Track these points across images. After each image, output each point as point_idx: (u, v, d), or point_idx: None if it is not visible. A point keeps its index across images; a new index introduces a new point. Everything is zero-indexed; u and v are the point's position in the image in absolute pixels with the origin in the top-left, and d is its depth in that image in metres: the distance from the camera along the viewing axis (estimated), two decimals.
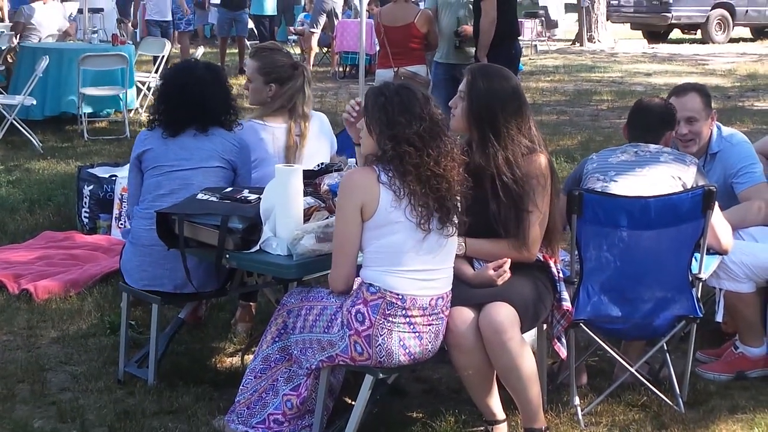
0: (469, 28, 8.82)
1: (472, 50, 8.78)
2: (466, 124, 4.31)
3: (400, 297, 3.91)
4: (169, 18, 15.56)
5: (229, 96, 5.05)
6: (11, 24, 14.29)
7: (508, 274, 4.17)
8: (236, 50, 19.18)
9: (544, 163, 4.26)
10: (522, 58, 19.30)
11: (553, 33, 28.24)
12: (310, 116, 5.28)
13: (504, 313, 4.02)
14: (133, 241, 4.90)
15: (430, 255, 3.95)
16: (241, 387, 4.27)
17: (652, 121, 4.83)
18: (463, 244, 4.22)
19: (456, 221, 3.99)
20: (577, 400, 4.54)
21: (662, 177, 4.57)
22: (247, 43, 18.39)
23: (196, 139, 4.88)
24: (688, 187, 4.53)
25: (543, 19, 27.30)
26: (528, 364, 4.06)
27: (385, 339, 3.91)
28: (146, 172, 4.91)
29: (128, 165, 5.20)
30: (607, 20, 27.53)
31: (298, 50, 20.32)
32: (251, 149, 5.13)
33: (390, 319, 3.91)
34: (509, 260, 4.19)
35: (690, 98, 5.16)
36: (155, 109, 5.02)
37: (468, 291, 4.14)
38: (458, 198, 4.00)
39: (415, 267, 3.93)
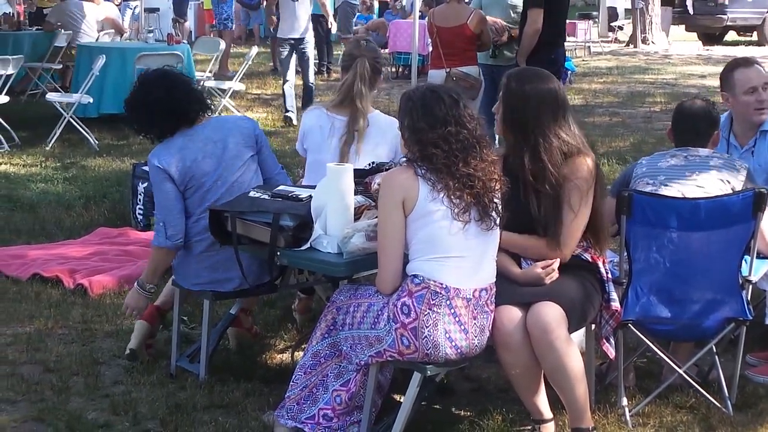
0: (504, 38, 8.85)
1: (513, 53, 8.82)
2: (503, 127, 4.33)
3: (444, 286, 3.95)
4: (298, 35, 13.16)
5: (192, 92, 5.04)
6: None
7: (556, 274, 4.19)
8: None
9: (585, 165, 4.25)
10: (575, 60, 19.38)
11: (616, 36, 28.00)
12: (365, 113, 5.21)
13: (551, 313, 4.04)
14: (186, 249, 4.94)
15: (471, 243, 3.99)
16: (291, 382, 4.31)
17: (698, 125, 4.78)
18: None
19: (495, 216, 4.03)
20: (624, 401, 4.55)
21: (712, 181, 4.56)
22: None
23: (216, 144, 4.86)
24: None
25: (597, 20, 27.17)
26: (575, 363, 4.08)
27: (431, 331, 3.95)
28: (187, 191, 4.85)
29: None
30: (673, 24, 27.35)
31: None
32: (309, 133, 5.24)
33: (435, 309, 3.94)
34: (558, 260, 4.21)
35: (758, 67, 5.32)
36: (149, 125, 4.96)
37: (515, 290, 4.17)
38: (496, 194, 4.04)
39: (456, 254, 3.97)
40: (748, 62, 5.33)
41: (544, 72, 4.45)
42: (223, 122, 5.07)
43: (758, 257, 4.59)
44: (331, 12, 16.13)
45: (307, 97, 13.35)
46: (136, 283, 5.08)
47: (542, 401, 4.26)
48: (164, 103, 4.86)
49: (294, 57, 13.05)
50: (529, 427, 4.35)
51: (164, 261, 5.00)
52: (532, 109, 4.25)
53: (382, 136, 5.23)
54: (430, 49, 10.32)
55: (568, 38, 21.05)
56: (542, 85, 4.31)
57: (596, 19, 27.78)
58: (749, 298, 4.59)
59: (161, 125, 4.92)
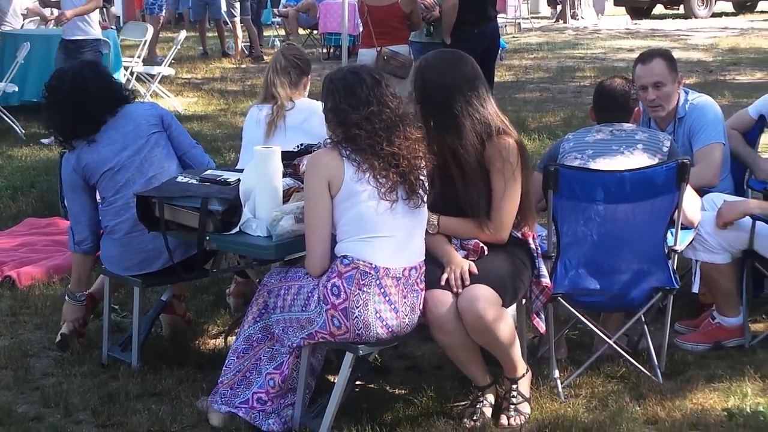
0: (436, 12, 8.87)
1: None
2: (419, 112, 4.29)
3: (373, 266, 3.95)
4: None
5: (113, 84, 5.13)
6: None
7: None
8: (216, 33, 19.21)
9: (506, 145, 4.24)
10: (505, 36, 19.43)
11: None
12: (285, 98, 5.31)
13: (483, 296, 4.05)
14: (110, 235, 4.93)
15: (398, 222, 4.00)
16: (224, 368, 4.31)
17: (619, 102, 4.81)
18: (436, 222, 4.26)
19: (422, 194, 4.04)
20: (556, 373, 4.59)
21: (638, 154, 4.59)
22: (236, 25, 18.25)
23: (117, 131, 4.90)
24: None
25: None
26: (508, 334, 4.13)
27: (362, 311, 3.95)
28: (99, 182, 4.90)
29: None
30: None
31: (282, 32, 20.39)
32: (245, 127, 5.39)
33: (364, 289, 3.94)
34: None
35: (656, 64, 5.26)
36: (56, 129, 5.07)
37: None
38: (422, 172, 4.04)
39: (384, 233, 3.97)
40: (647, 58, 5.31)
41: (456, 53, 4.46)
42: (123, 110, 5.02)
43: (682, 228, 4.64)
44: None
45: None
46: (66, 295, 5.11)
47: (482, 369, 4.31)
48: (70, 112, 4.90)
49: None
50: (472, 396, 4.39)
51: (82, 266, 5.06)
52: (441, 92, 4.26)
53: (306, 123, 5.24)
54: (361, 29, 10.28)
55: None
56: (454, 67, 4.31)
57: None
58: (675, 267, 4.66)
59: (65, 132, 4.99)
